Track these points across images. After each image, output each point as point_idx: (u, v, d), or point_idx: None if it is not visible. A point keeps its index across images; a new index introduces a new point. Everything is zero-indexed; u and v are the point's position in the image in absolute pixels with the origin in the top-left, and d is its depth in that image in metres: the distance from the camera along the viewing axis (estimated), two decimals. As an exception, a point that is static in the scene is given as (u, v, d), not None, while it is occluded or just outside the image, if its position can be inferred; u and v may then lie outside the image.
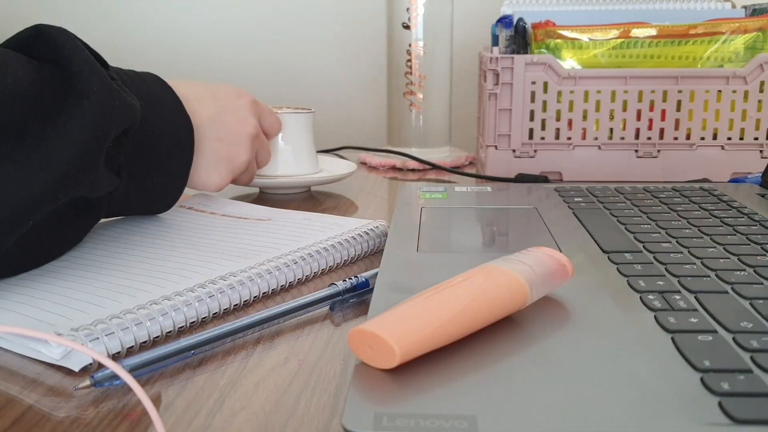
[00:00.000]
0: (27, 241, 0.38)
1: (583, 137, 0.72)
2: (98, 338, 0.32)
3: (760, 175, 0.61)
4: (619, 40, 0.72)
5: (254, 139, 0.58)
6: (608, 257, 0.39)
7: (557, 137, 0.72)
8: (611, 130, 0.72)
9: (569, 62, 0.73)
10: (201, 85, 0.56)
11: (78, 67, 0.39)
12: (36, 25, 0.40)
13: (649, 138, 0.72)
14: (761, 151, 0.72)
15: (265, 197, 0.68)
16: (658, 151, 0.72)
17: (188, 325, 0.36)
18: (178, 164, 0.51)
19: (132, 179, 0.46)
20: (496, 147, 0.73)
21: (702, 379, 0.25)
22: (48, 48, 0.39)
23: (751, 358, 0.26)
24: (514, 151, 0.73)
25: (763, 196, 0.54)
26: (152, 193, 0.50)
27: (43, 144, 0.37)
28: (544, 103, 0.72)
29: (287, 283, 0.42)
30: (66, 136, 0.37)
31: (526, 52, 0.74)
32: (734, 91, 0.70)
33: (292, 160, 0.67)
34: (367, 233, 0.48)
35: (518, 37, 0.74)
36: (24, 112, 0.36)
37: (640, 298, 0.33)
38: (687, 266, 0.37)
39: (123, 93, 0.41)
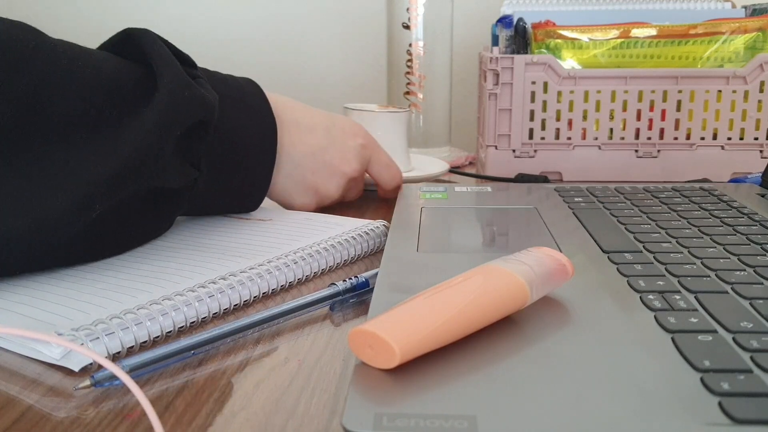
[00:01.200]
0: (106, 228, 0.40)
1: (583, 137, 0.72)
2: (98, 338, 0.32)
3: (760, 175, 0.61)
4: (619, 40, 0.72)
5: (349, 181, 0.58)
6: (608, 257, 0.39)
7: (557, 137, 0.72)
8: (611, 130, 0.72)
9: (569, 62, 0.73)
10: (323, 115, 0.58)
11: (155, 63, 0.42)
12: (125, 29, 0.44)
13: (649, 138, 0.72)
14: (761, 151, 0.72)
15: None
16: (658, 151, 0.72)
17: (188, 325, 0.36)
18: (260, 166, 0.52)
19: (214, 175, 0.47)
20: (496, 147, 0.73)
21: (702, 379, 0.25)
22: (133, 47, 0.43)
23: (751, 358, 0.26)
24: (514, 151, 0.73)
25: (763, 196, 0.54)
26: (235, 192, 0.51)
27: (114, 134, 0.39)
28: (544, 103, 0.71)
29: (287, 283, 0.42)
30: (134, 126, 0.39)
31: (526, 52, 0.74)
32: (734, 91, 0.70)
33: None
34: (367, 233, 0.48)
35: (518, 37, 0.74)
36: (102, 103, 0.39)
37: (640, 298, 0.33)
38: (687, 266, 0.37)
39: (197, 87, 0.43)
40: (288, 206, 0.57)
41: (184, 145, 0.43)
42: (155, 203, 0.43)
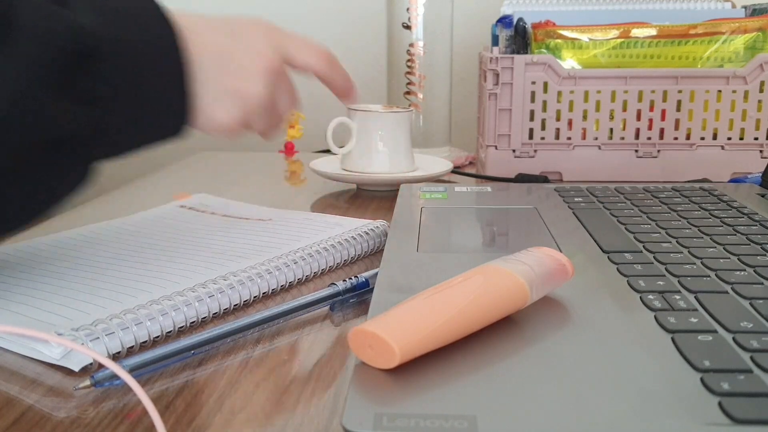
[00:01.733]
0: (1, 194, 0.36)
1: (583, 137, 0.72)
2: (99, 338, 0.32)
3: (760, 175, 0.61)
4: (619, 40, 0.72)
5: (270, 74, 0.50)
6: (608, 257, 0.39)
7: (557, 137, 0.72)
8: (611, 130, 0.72)
9: (569, 62, 0.73)
10: (221, 19, 0.50)
11: None
12: None
13: (649, 138, 0.72)
14: (761, 151, 0.72)
15: (362, 194, 0.69)
16: (658, 151, 0.72)
17: (188, 325, 0.36)
18: (170, 77, 0.44)
19: (120, 107, 0.41)
20: (496, 147, 0.73)
21: (702, 379, 0.25)
22: None
23: (751, 358, 0.26)
24: (514, 151, 0.73)
25: (763, 196, 0.54)
26: (153, 118, 0.44)
27: None
28: (544, 103, 0.71)
29: (287, 283, 0.42)
30: (1, 74, 0.34)
31: (526, 52, 0.74)
32: (734, 91, 0.70)
33: (388, 158, 0.69)
34: (367, 233, 0.48)
35: (518, 37, 0.74)
36: None
37: (640, 298, 0.33)
38: (687, 266, 0.37)
39: (68, 13, 0.37)
40: (211, 126, 0.47)
41: (69, 83, 0.37)
42: (54, 156, 0.38)
